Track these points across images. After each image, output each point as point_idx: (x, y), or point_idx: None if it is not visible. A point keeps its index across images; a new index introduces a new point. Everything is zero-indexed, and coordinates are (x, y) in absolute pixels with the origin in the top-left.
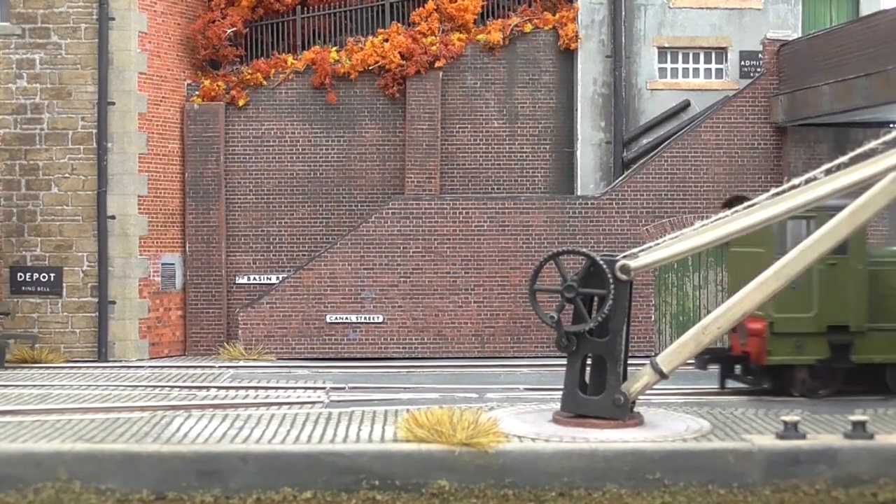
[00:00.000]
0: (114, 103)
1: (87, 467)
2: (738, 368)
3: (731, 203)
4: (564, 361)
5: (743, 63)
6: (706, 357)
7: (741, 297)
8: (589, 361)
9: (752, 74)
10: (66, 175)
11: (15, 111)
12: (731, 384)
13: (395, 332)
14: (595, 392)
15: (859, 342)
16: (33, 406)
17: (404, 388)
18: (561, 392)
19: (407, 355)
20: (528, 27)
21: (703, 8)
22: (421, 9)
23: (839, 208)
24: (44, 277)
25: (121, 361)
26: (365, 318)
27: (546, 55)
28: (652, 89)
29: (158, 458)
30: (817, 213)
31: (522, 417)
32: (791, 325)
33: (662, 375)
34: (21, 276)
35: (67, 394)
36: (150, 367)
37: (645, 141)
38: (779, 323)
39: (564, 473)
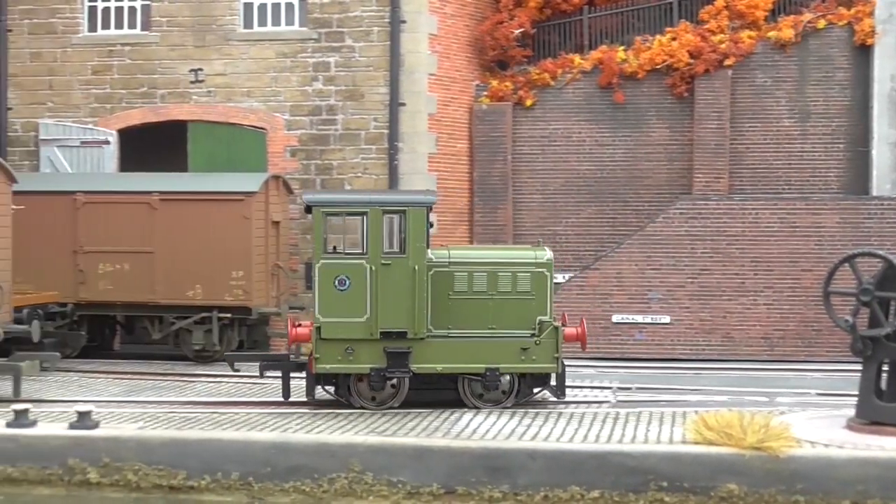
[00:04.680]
0: (404, 104)
1: (380, 460)
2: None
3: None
4: (858, 367)
5: None
6: (265, 363)
7: None
8: (885, 367)
9: None
10: (359, 174)
11: (311, 112)
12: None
13: (682, 333)
14: (892, 399)
15: (419, 350)
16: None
17: (691, 389)
18: (855, 398)
19: (693, 357)
20: (822, 23)
21: None
22: (710, 6)
23: (391, 202)
24: None
25: None
26: (651, 318)
27: (840, 51)
28: None
29: (448, 453)
30: (369, 209)
31: (814, 423)
32: (340, 331)
33: None
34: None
35: None
36: None
37: None
38: (326, 328)
39: (858, 481)
